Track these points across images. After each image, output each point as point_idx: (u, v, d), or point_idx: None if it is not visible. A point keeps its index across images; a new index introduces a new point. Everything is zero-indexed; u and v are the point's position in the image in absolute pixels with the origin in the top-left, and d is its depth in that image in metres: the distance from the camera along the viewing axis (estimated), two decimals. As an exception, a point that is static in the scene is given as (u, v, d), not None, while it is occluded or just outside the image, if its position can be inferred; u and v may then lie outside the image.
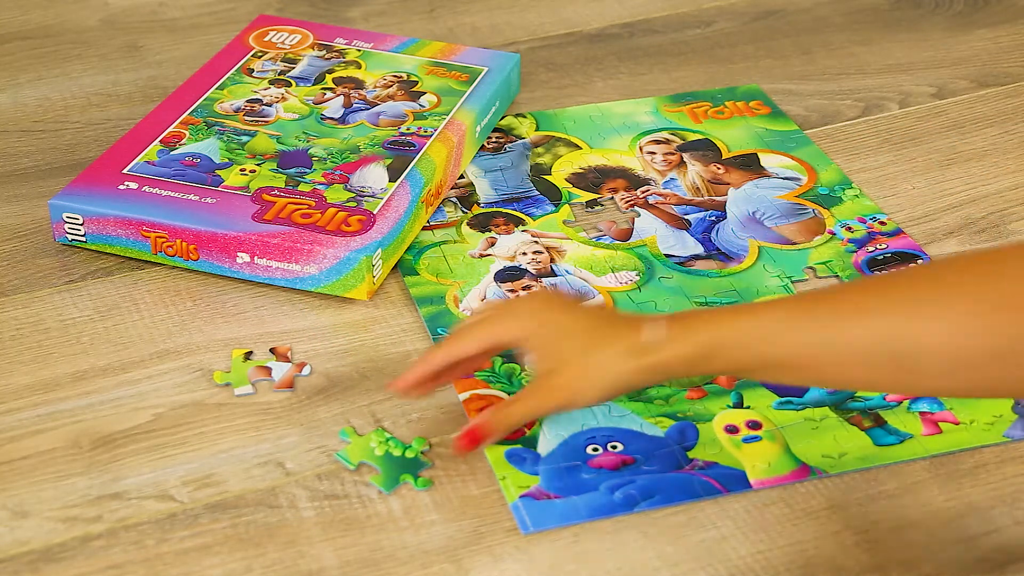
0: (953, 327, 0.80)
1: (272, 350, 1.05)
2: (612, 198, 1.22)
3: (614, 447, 0.97)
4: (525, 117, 1.33)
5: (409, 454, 0.96)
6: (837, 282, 1.12)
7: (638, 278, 1.13)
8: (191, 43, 1.44)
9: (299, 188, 1.14)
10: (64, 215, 1.12)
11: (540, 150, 1.29)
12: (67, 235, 1.13)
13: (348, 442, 0.97)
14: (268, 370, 1.03)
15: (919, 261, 1.14)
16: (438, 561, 0.89)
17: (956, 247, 1.17)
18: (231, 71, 1.29)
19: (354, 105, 1.26)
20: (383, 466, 0.95)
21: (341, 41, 1.35)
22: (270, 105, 1.25)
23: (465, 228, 1.18)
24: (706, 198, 1.22)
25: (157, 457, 0.96)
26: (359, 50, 1.34)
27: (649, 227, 1.19)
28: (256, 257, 1.09)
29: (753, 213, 1.20)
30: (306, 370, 1.03)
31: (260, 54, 1.32)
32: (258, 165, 1.17)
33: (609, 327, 0.92)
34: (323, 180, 1.16)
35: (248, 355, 1.04)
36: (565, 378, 0.92)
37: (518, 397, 0.94)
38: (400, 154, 1.19)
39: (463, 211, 1.20)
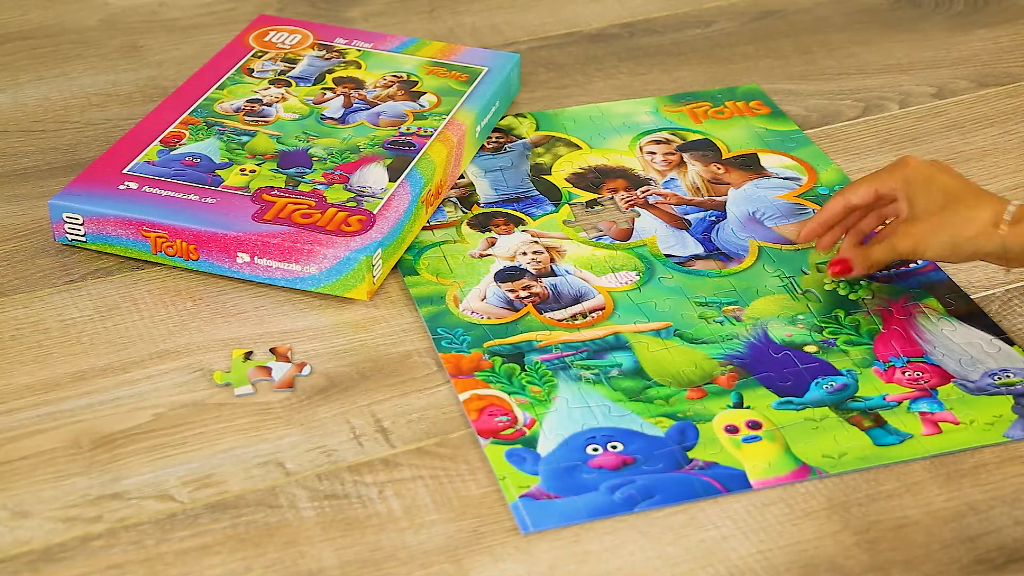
0: None
1: (272, 350, 1.05)
2: (612, 198, 1.22)
3: (614, 447, 0.97)
4: (525, 117, 1.33)
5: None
6: None
7: (638, 278, 1.13)
8: (191, 43, 1.44)
9: (299, 188, 1.14)
10: (64, 215, 1.12)
11: (540, 150, 1.29)
12: (67, 235, 1.13)
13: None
14: (268, 370, 1.03)
15: (919, 261, 1.14)
16: (438, 561, 0.89)
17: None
18: (231, 71, 1.29)
19: (354, 105, 1.26)
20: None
21: (341, 41, 1.35)
22: (270, 105, 1.25)
23: (465, 228, 1.18)
24: (706, 198, 1.22)
25: (157, 457, 0.96)
26: (359, 50, 1.34)
27: (649, 227, 1.19)
28: (256, 257, 1.09)
29: (753, 213, 1.20)
30: (306, 370, 1.03)
31: (260, 54, 1.32)
32: (258, 165, 1.17)
33: (975, 195, 1.02)
34: (323, 180, 1.16)
35: (248, 355, 1.04)
36: (919, 228, 1.03)
37: (876, 239, 1.07)
38: (400, 154, 1.19)
39: (463, 211, 1.20)
